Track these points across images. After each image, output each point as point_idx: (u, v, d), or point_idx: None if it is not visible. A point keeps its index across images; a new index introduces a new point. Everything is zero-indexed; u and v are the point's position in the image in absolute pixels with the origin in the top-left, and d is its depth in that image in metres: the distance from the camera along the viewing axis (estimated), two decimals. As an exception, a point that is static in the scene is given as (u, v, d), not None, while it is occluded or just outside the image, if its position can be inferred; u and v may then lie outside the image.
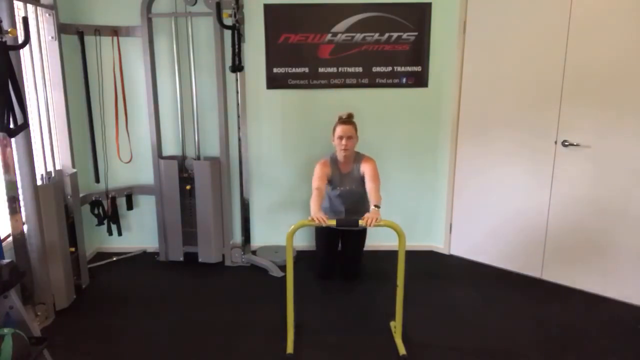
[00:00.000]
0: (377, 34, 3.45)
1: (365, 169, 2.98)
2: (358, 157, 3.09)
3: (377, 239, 3.65)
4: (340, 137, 2.98)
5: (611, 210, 2.94)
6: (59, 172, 3.03)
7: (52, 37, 2.93)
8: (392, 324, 2.68)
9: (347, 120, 3.02)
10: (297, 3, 3.41)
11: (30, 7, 2.77)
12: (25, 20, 2.43)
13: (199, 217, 3.47)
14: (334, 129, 3.04)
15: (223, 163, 3.47)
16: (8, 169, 2.49)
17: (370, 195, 2.79)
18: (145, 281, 3.34)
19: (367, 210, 2.74)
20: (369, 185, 2.87)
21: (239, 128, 3.43)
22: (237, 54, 3.10)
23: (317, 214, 2.48)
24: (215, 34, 3.25)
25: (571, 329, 2.72)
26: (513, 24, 3.13)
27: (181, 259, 3.58)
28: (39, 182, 2.73)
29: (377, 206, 2.59)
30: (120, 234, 3.68)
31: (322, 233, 3.37)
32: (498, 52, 3.23)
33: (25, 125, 2.46)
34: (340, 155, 3.06)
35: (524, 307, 2.96)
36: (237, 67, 3.13)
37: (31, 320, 2.27)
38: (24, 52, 2.62)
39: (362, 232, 3.35)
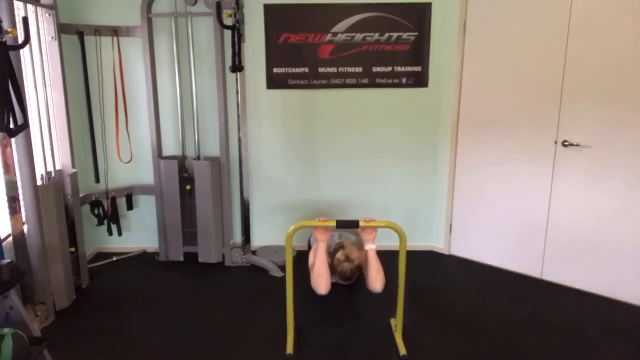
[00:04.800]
0: (377, 34, 3.45)
1: None
2: None
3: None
4: None
5: (611, 210, 2.94)
6: (59, 172, 3.03)
7: (52, 37, 2.92)
8: (392, 321, 2.69)
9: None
10: (297, 3, 3.41)
11: (30, 7, 2.77)
12: (25, 20, 2.43)
13: (199, 217, 3.47)
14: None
15: (223, 163, 3.47)
16: (8, 169, 2.49)
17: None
18: (145, 281, 3.34)
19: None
20: None
21: (239, 128, 3.43)
22: (237, 54, 3.10)
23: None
24: (215, 34, 3.25)
25: (571, 329, 2.72)
26: (513, 24, 3.13)
27: (181, 259, 3.58)
28: (39, 182, 2.73)
29: None
30: (120, 234, 3.68)
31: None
32: (498, 52, 3.23)
33: (25, 125, 2.46)
34: None
35: (524, 307, 2.96)
36: (237, 67, 3.13)
37: (31, 320, 2.27)
38: (24, 52, 2.63)
39: None
